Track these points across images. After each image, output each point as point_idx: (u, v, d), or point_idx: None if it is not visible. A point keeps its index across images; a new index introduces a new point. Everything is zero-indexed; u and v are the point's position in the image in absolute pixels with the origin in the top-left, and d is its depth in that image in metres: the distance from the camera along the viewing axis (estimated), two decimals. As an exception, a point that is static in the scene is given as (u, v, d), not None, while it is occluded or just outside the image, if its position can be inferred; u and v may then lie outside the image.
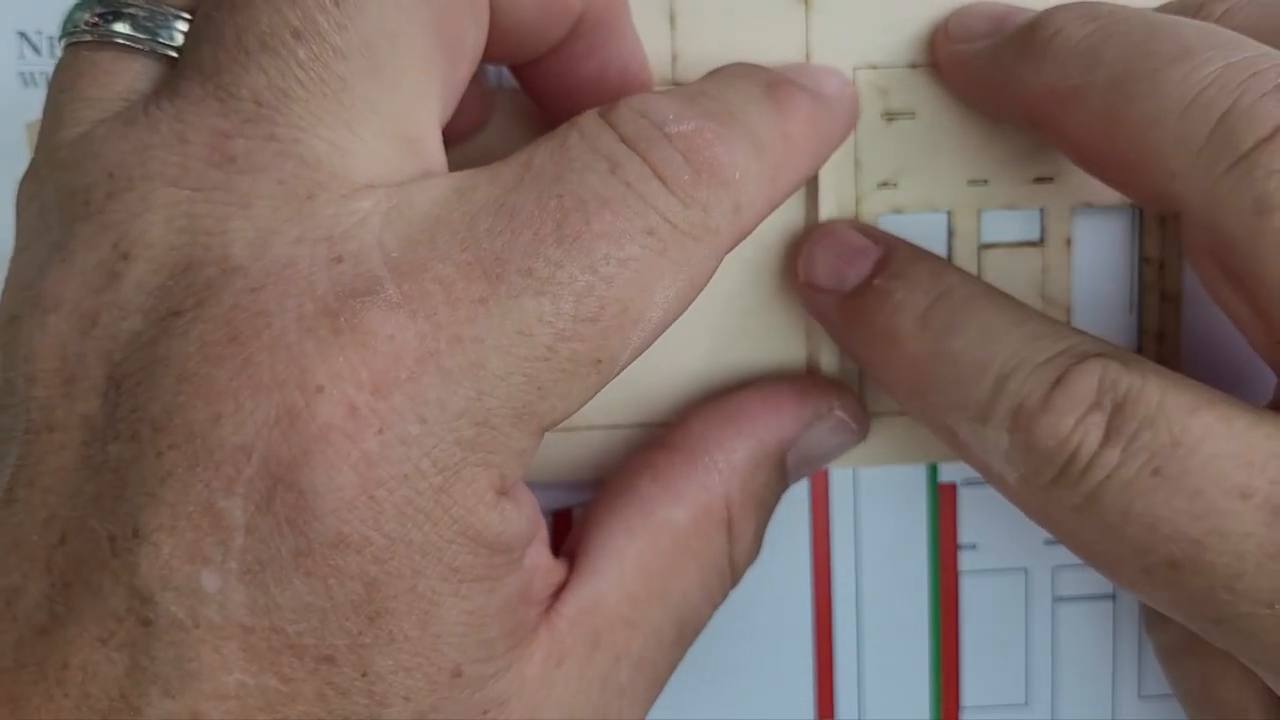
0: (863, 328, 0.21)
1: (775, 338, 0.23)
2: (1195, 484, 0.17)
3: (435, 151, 0.16)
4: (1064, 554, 0.24)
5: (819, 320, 0.22)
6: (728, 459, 0.20)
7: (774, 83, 0.19)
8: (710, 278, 0.17)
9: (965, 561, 0.24)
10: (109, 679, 0.14)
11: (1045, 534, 0.24)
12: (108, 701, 0.14)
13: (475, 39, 0.17)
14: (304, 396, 0.14)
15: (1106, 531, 0.17)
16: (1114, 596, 0.25)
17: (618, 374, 0.16)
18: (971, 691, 0.25)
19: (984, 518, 0.24)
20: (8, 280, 0.16)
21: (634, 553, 0.19)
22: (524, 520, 0.16)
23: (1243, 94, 0.17)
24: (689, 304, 0.16)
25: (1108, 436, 0.17)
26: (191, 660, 0.14)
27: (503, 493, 0.15)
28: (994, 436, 0.19)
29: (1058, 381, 0.18)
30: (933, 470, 0.24)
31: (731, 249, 0.17)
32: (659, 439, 0.21)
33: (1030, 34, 0.20)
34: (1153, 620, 0.24)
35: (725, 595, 0.20)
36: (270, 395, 0.14)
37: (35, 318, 0.15)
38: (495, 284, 0.15)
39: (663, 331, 0.16)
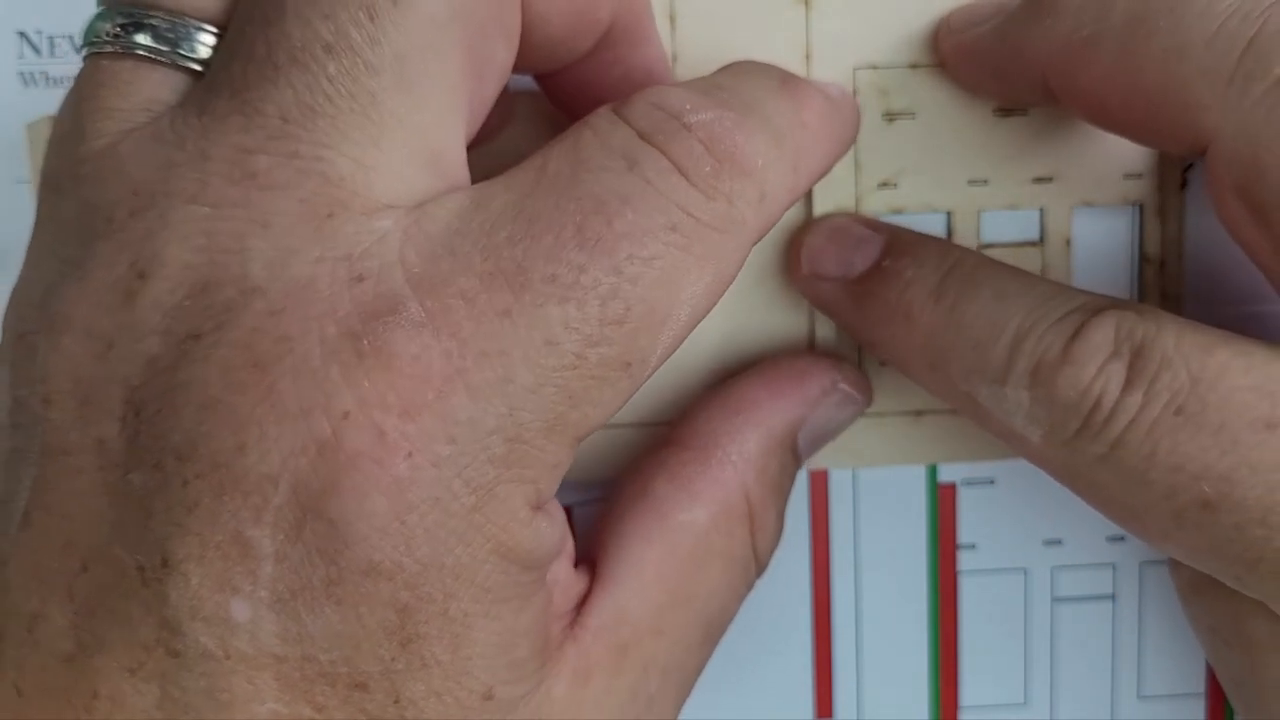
0: (874, 308, 0.21)
1: (779, 336, 0.23)
2: (1218, 419, 0.17)
3: (459, 168, 0.16)
4: (1064, 554, 0.24)
5: (825, 309, 0.22)
6: (740, 451, 0.20)
7: (787, 77, 0.18)
8: (739, 270, 0.16)
9: (965, 561, 0.24)
10: (138, 709, 0.14)
11: (1045, 534, 0.24)
12: None
13: (505, 57, 0.17)
14: (330, 424, 0.14)
15: (1133, 479, 0.17)
16: (1114, 597, 0.25)
17: (649, 376, 0.16)
18: (970, 691, 0.25)
19: (984, 518, 0.24)
20: (16, 294, 0.16)
21: (655, 559, 0.18)
22: (557, 535, 0.16)
23: (1268, 20, 0.17)
24: (718, 298, 0.16)
25: (1128, 382, 0.17)
26: (224, 691, 0.14)
27: (538, 508, 0.15)
28: (1014, 396, 0.18)
29: (1075, 335, 0.18)
30: (933, 470, 0.24)
31: (759, 240, 0.17)
32: (668, 438, 0.21)
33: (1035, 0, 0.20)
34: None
35: (751, 586, 0.20)
36: (296, 423, 0.14)
37: (49, 338, 0.15)
38: (519, 293, 0.14)
39: (694, 328, 0.16)
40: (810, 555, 0.24)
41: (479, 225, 0.15)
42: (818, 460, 0.24)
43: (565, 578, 0.17)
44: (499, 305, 0.14)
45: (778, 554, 0.24)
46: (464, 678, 0.15)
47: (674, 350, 0.16)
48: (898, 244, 0.21)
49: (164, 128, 0.15)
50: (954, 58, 0.22)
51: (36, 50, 0.22)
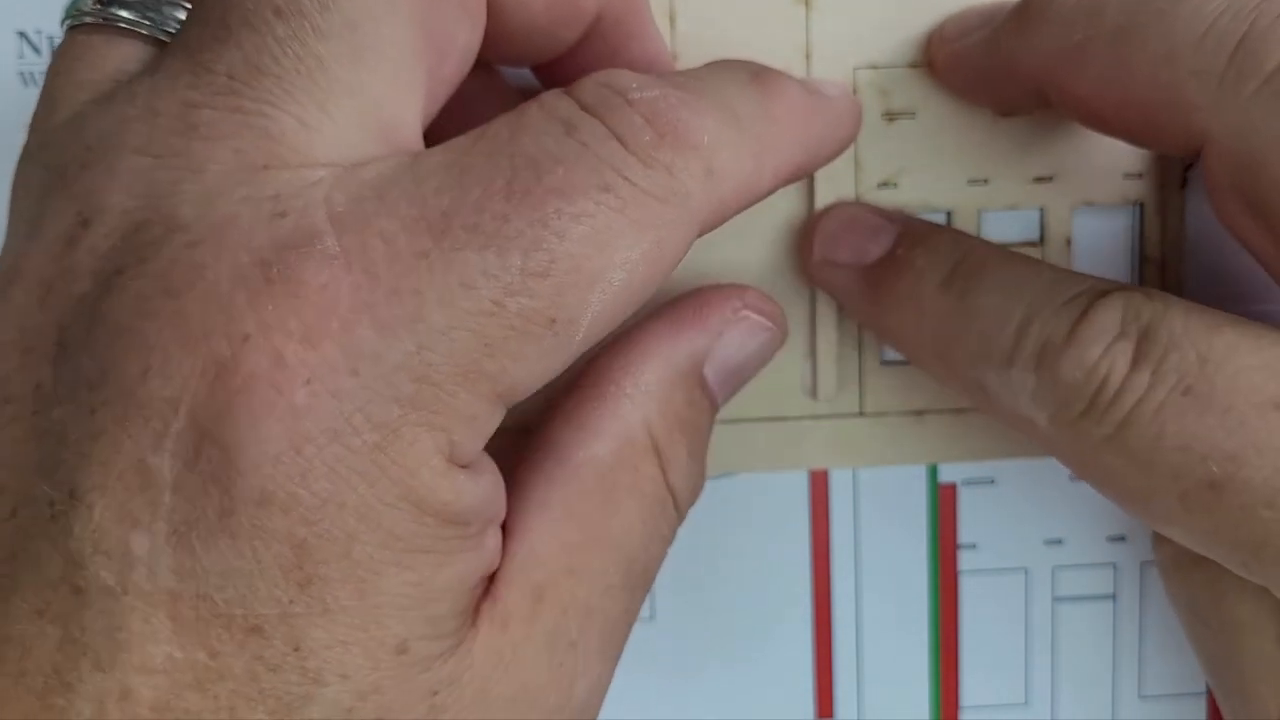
0: (886, 296, 0.21)
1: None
2: (1226, 399, 0.17)
3: (413, 141, 0.16)
4: (1064, 554, 0.24)
5: (836, 295, 0.22)
6: (637, 384, 0.19)
7: (761, 70, 0.18)
8: (687, 245, 0.16)
9: (965, 561, 0.24)
10: (43, 654, 0.13)
11: (1046, 534, 0.24)
12: (42, 678, 0.13)
13: (468, 35, 0.17)
14: (231, 346, 0.14)
15: (1140, 460, 0.17)
16: (1114, 597, 0.25)
17: (585, 342, 0.15)
18: (971, 691, 0.25)
19: (984, 518, 0.24)
20: None
21: (559, 499, 0.18)
22: (482, 496, 0.15)
23: (1257, 18, 0.17)
24: (663, 271, 0.16)
25: (1135, 362, 0.17)
26: (120, 630, 0.13)
27: (455, 462, 0.15)
28: (1021, 379, 0.18)
29: (1082, 316, 0.18)
30: (933, 470, 0.24)
31: (716, 219, 0.16)
32: (567, 384, 0.19)
33: (1026, 6, 0.20)
34: (1158, 536, 0.23)
35: (673, 529, 0.19)
36: (198, 346, 0.14)
37: (2, 293, 0.15)
38: (438, 239, 0.14)
39: (636, 301, 0.16)
40: (810, 555, 0.24)
41: (411, 177, 0.15)
42: (818, 460, 0.24)
43: (493, 544, 0.17)
44: (417, 247, 0.14)
45: (778, 553, 0.24)
46: (372, 627, 0.14)
47: (614, 319, 0.16)
48: (911, 233, 0.21)
49: (121, 89, 0.16)
50: (947, 67, 0.22)
51: (36, 50, 0.22)
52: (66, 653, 0.13)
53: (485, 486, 0.15)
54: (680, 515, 0.20)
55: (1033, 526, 0.24)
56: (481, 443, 0.15)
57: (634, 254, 0.15)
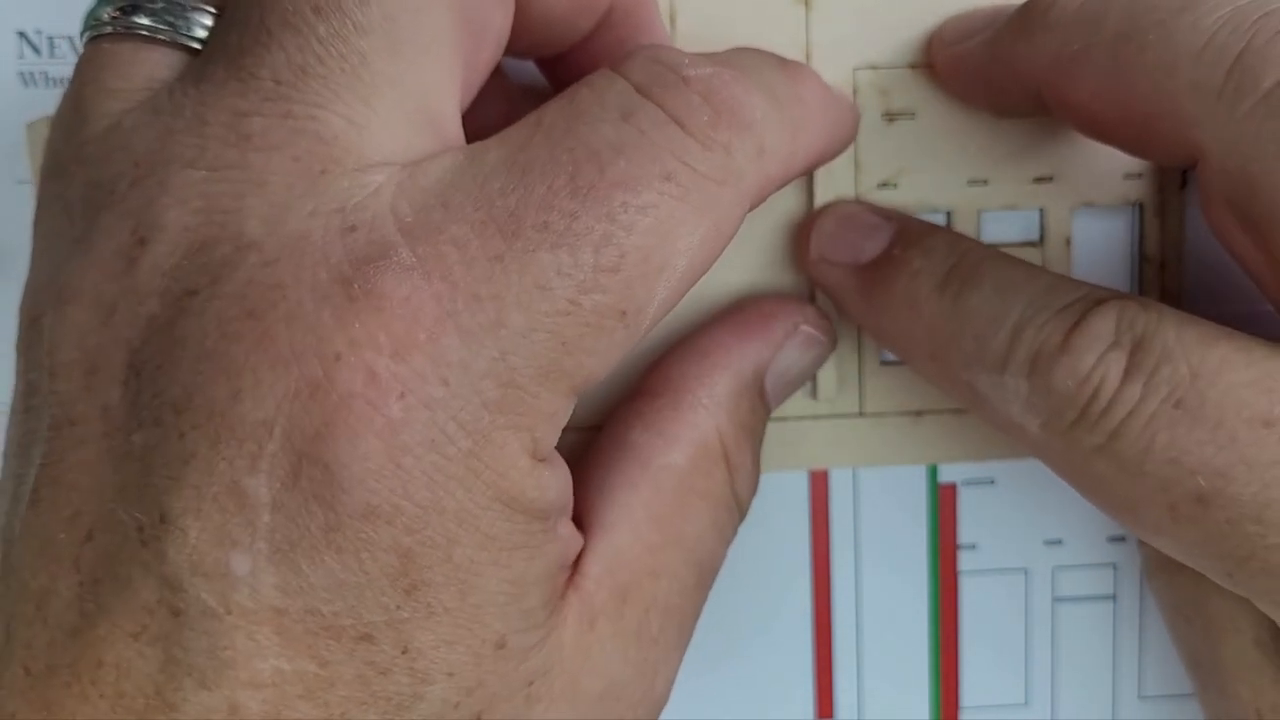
0: (881, 296, 0.21)
1: None
2: (1216, 414, 0.17)
3: (455, 131, 0.16)
4: (1064, 554, 0.24)
5: (831, 294, 0.23)
6: (711, 394, 0.20)
7: (784, 59, 0.19)
8: (738, 225, 0.16)
9: (965, 561, 0.24)
10: (143, 675, 0.14)
11: (1046, 534, 0.24)
12: (143, 699, 0.14)
13: (501, 23, 0.17)
14: (322, 365, 0.14)
15: (1129, 471, 0.17)
16: (1114, 597, 0.25)
17: (647, 329, 0.16)
18: (971, 691, 0.25)
19: (984, 518, 0.24)
20: (27, 285, 0.16)
21: (641, 503, 0.19)
22: (560, 488, 0.16)
23: (1256, 33, 0.17)
24: (717, 253, 0.16)
25: (1128, 373, 0.17)
26: (225, 648, 0.13)
27: (538, 458, 0.15)
28: (1013, 384, 0.18)
29: (1076, 324, 0.18)
30: (933, 470, 0.24)
31: (760, 199, 0.17)
32: (639, 388, 0.21)
33: (1026, 12, 0.20)
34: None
35: (735, 530, 0.20)
36: (289, 367, 0.14)
37: (56, 312, 0.15)
38: (510, 240, 0.14)
39: (692, 283, 0.16)
40: (810, 555, 0.24)
41: (472, 177, 0.15)
42: (818, 460, 0.24)
43: (567, 533, 0.17)
44: (491, 250, 0.14)
45: (778, 553, 0.24)
46: (474, 626, 0.15)
47: (673, 303, 0.16)
48: (907, 233, 0.21)
49: (163, 100, 0.15)
50: (948, 69, 0.22)
51: (36, 50, 0.22)
52: (169, 673, 0.14)
53: (561, 478, 0.16)
54: (742, 516, 0.21)
55: (1033, 526, 0.24)
56: (557, 436, 0.16)
57: (694, 239, 0.16)
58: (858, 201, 0.23)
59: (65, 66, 0.22)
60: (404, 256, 0.14)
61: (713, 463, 0.20)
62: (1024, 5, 0.20)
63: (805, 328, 0.22)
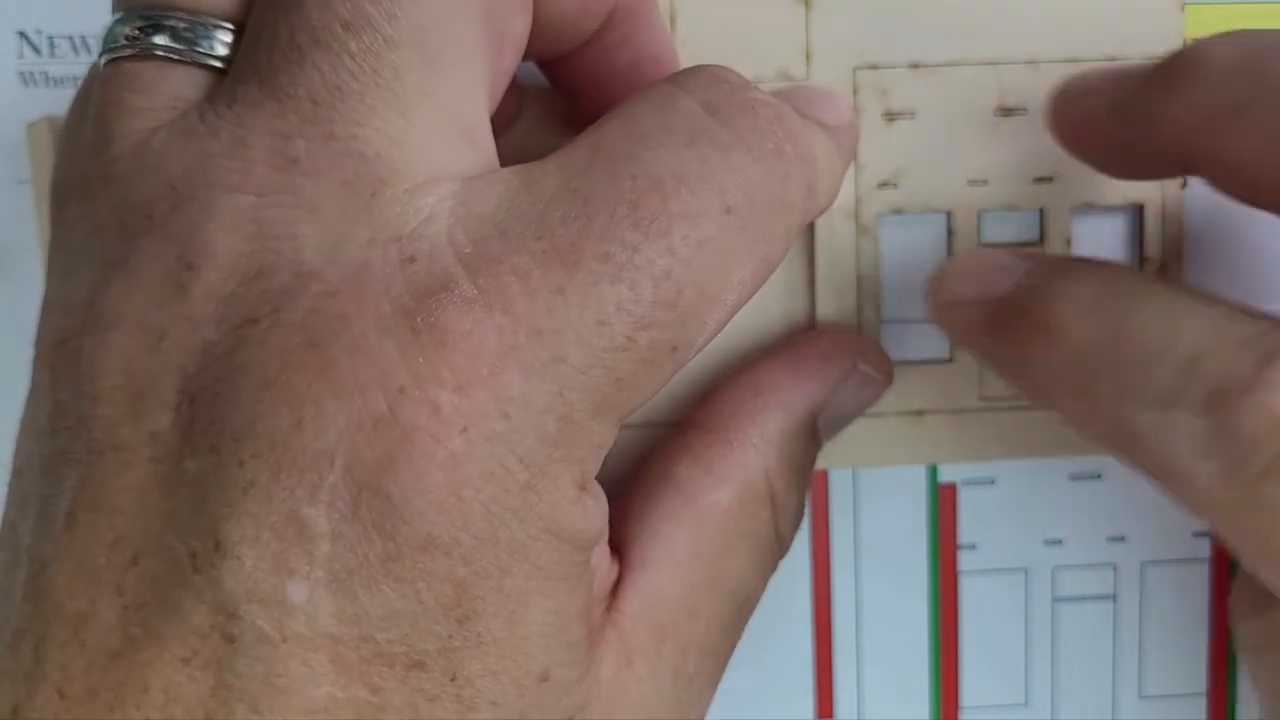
0: (1018, 327, 0.19)
1: (779, 322, 0.23)
2: None
3: (486, 140, 0.16)
4: (1064, 554, 0.24)
5: (960, 337, 0.21)
6: (762, 433, 0.20)
7: (826, 92, 0.19)
8: (784, 257, 0.16)
9: (965, 561, 0.24)
10: (193, 700, 0.13)
11: (1046, 534, 0.24)
12: None
13: (521, 26, 0.17)
14: (386, 399, 0.14)
15: None
16: (1114, 597, 0.25)
17: (689, 361, 0.16)
18: (971, 691, 0.25)
19: (984, 518, 0.24)
20: (47, 303, 0.16)
21: (684, 540, 0.18)
22: (602, 517, 0.16)
23: None
24: (760, 285, 0.16)
25: None
26: (280, 675, 0.13)
27: (583, 488, 0.15)
28: (1185, 423, 0.16)
29: (1268, 358, 0.16)
30: (933, 470, 0.24)
31: (801, 230, 0.17)
32: (690, 420, 0.21)
33: (1170, 68, 0.18)
34: (1239, 612, 0.21)
35: (776, 567, 0.20)
36: (352, 399, 0.14)
37: (95, 336, 0.15)
38: (572, 271, 0.14)
39: (735, 313, 0.16)
40: (810, 555, 0.24)
41: (531, 205, 0.15)
42: (818, 460, 0.24)
43: (603, 562, 0.17)
44: (553, 282, 0.14)
45: (778, 554, 0.24)
46: (520, 657, 0.15)
47: (716, 334, 0.16)
48: (1048, 263, 0.20)
49: (194, 121, 0.15)
50: (1067, 127, 0.21)
51: (36, 50, 0.22)
52: (220, 698, 0.14)
53: (601, 507, 0.16)
54: (784, 553, 0.21)
55: (1033, 526, 0.24)
56: (600, 465, 0.16)
57: (746, 273, 0.16)
58: (984, 248, 0.22)
59: (65, 66, 0.22)
60: (465, 289, 0.14)
61: (759, 503, 0.20)
62: (1166, 61, 0.18)
63: (863, 366, 0.22)
